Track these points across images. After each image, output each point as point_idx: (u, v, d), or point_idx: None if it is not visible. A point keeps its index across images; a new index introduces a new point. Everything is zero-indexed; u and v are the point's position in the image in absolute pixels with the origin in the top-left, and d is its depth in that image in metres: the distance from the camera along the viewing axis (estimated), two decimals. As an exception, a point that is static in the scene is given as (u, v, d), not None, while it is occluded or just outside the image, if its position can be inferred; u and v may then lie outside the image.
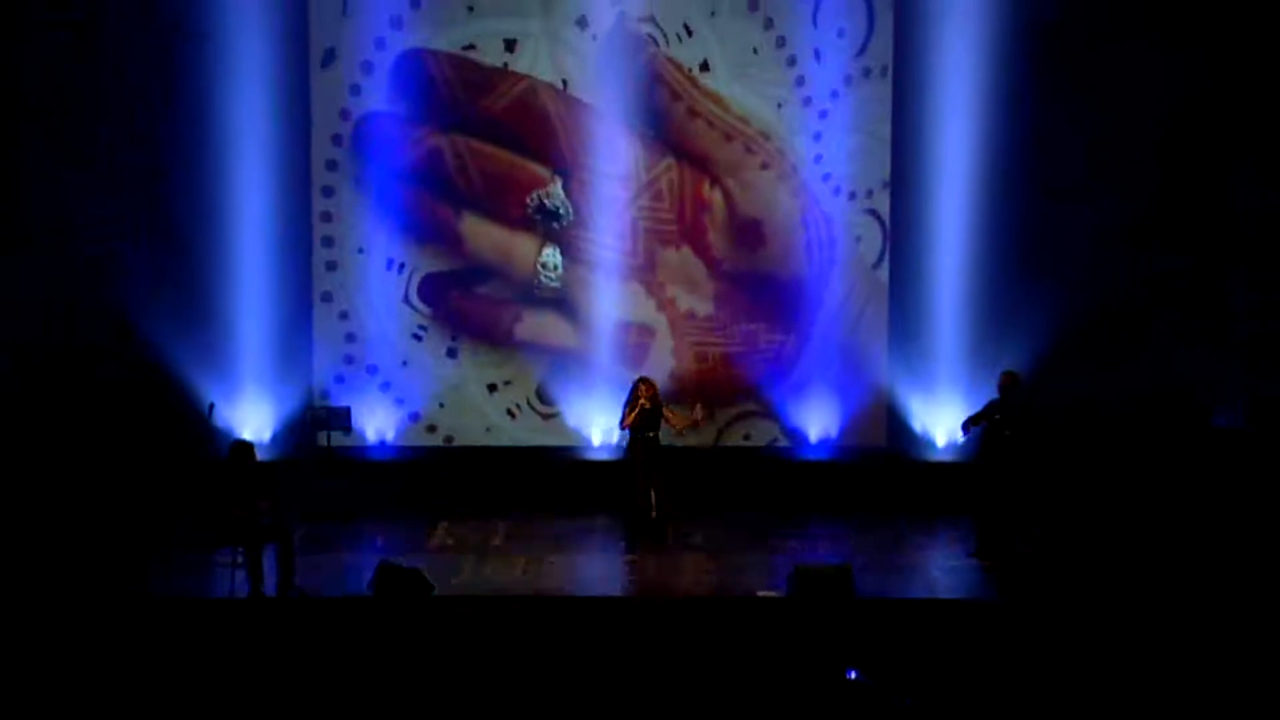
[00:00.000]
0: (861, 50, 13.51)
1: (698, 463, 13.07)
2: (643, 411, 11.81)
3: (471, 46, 13.41)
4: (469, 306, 13.70)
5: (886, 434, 13.79)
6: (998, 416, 11.69)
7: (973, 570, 11.54)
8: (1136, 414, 13.22)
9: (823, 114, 13.53)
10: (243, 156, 13.25)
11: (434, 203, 13.56)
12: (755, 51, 13.46)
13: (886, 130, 13.58)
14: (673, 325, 13.77)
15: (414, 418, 13.73)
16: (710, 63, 13.45)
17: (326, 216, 13.54)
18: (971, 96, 13.32)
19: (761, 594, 10.77)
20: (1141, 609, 10.23)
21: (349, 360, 13.64)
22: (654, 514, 11.85)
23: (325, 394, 13.60)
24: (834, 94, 13.51)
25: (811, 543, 12.27)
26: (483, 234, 13.58)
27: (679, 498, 12.11)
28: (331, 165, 13.49)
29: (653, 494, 11.84)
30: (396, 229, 13.54)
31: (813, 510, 12.95)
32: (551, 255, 13.62)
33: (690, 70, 13.47)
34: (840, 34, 13.45)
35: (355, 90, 13.39)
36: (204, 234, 13.34)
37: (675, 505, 12.05)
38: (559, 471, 13.40)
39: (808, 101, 13.51)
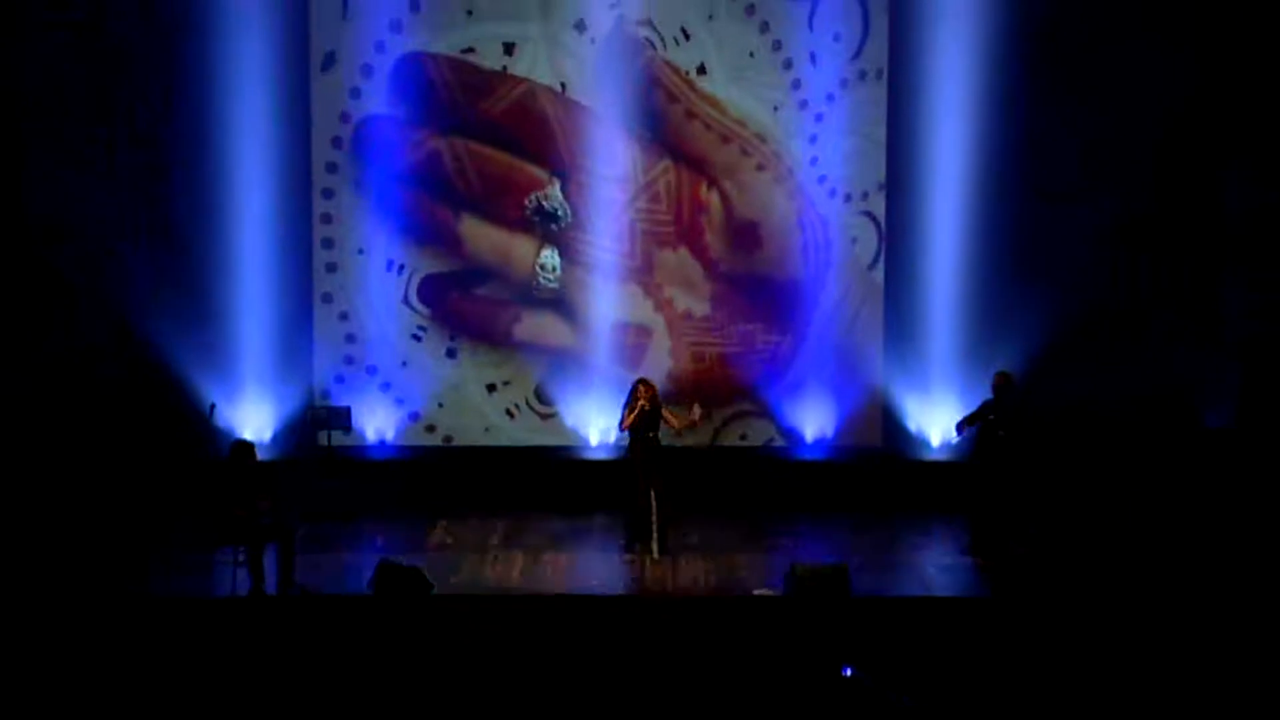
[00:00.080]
0: (857, 54, 13.57)
1: (694, 462, 13.12)
2: (642, 412, 11.85)
3: (470, 50, 13.45)
4: (468, 307, 13.76)
5: (882, 434, 13.84)
6: (992, 417, 11.77)
7: (967, 569, 11.61)
8: (1130, 414, 13.24)
9: (819, 117, 13.58)
10: (243, 157, 13.26)
11: (433, 205, 13.62)
12: (752, 55, 13.51)
13: (882, 133, 13.64)
14: (670, 326, 13.84)
15: (414, 418, 13.79)
16: (707, 66, 13.51)
17: (327, 218, 13.59)
18: (966, 99, 13.36)
19: (758, 593, 10.83)
20: (1135, 607, 10.28)
21: (349, 361, 13.69)
22: (654, 518, 11.83)
23: (325, 394, 13.64)
24: (830, 97, 13.58)
25: (807, 542, 12.33)
26: (482, 236, 13.64)
27: (677, 497, 12.14)
28: (331, 168, 13.54)
29: (653, 495, 11.83)
30: (396, 231, 13.58)
31: (809, 509, 12.99)
32: (550, 256, 13.68)
33: (687, 73, 13.53)
34: (836, 38, 13.50)
35: (355, 93, 13.43)
36: (204, 235, 13.35)
37: (674, 507, 12.05)
38: (557, 471, 13.44)
39: (804, 104, 13.57)
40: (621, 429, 12.10)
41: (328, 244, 13.62)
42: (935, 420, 13.60)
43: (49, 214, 13.36)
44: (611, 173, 13.57)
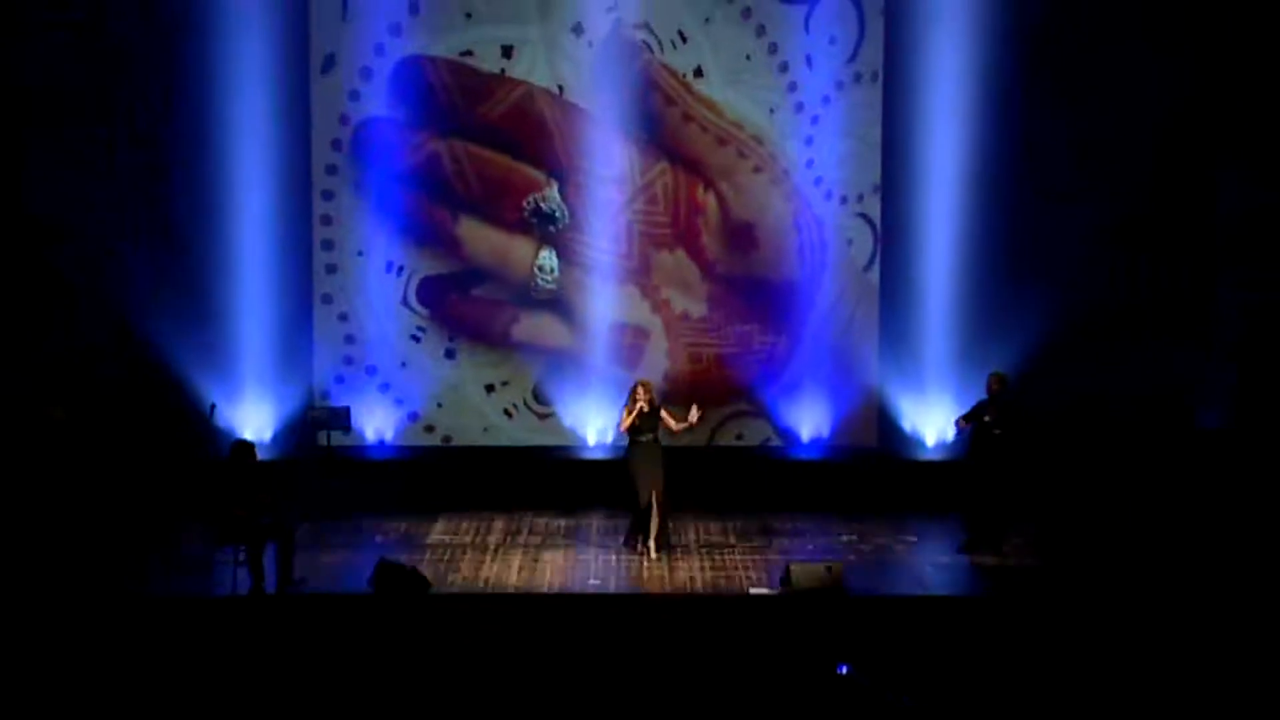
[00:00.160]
0: (852, 56, 13.63)
1: (691, 462, 13.15)
2: (641, 414, 11.88)
3: (469, 53, 13.51)
4: (467, 308, 13.82)
5: (877, 434, 13.90)
6: (987, 418, 11.83)
7: (962, 567, 11.64)
8: (1125, 415, 13.27)
9: (814, 119, 13.65)
10: (243, 158, 13.30)
11: (432, 207, 13.67)
12: (748, 58, 13.58)
13: (877, 135, 13.70)
14: (667, 327, 13.90)
15: (413, 418, 13.84)
16: (704, 69, 13.57)
17: (326, 220, 13.64)
18: (961, 101, 13.41)
19: (754, 592, 10.86)
20: (1130, 607, 10.32)
21: (348, 361, 13.74)
22: (653, 518, 11.83)
23: (325, 394, 13.69)
24: (825, 99, 13.64)
25: (803, 540, 12.39)
26: (480, 237, 13.70)
27: (674, 497, 12.17)
28: (331, 169, 13.59)
29: (653, 497, 11.80)
30: (395, 232, 13.62)
31: (804, 508, 13.03)
32: (548, 258, 13.74)
33: (684, 76, 13.59)
34: (831, 41, 13.57)
35: (355, 96, 13.48)
36: (204, 235, 13.39)
37: (671, 507, 12.04)
38: (555, 470, 13.49)
39: (800, 107, 13.64)
40: (620, 430, 12.13)
41: (327, 245, 13.66)
42: (930, 420, 13.67)
43: (49, 214, 13.37)
44: (609, 174, 13.63)
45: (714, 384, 13.81)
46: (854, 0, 13.56)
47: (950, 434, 12.95)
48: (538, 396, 13.88)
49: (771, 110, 13.63)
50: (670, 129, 13.63)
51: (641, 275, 13.83)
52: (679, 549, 11.96)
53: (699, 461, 13.32)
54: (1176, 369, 13.56)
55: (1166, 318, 13.72)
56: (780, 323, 13.86)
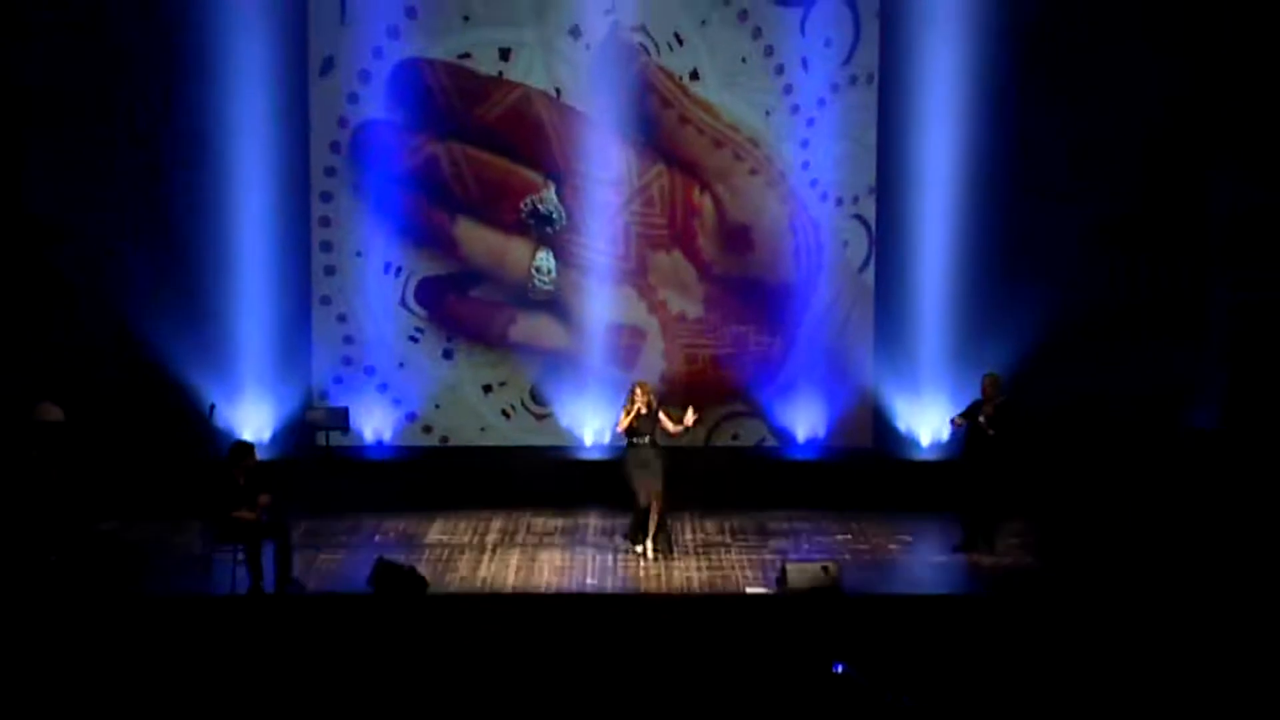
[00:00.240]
0: (848, 59, 13.69)
1: (688, 462, 13.17)
2: (639, 415, 11.89)
3: (467, 55, 13.55)
4: (464, 309, 13.87)
5: (872, 434, 13.95)
6: (982, 419, 11.88)
7: (957, 566, 11.67)
8: (1118, 415, 13.32)
9: (810, 121, 13.70)
10: (242, 160, 13.33)
11: (430, 208, 13.71)
12: (744, 60, 13.63)
13: (872, 137, 13.75)
14: (664, 328, 13.95)
15: (411, 418, 13.88)
16: (700, 71, 13.63)
17: (325, 221, 13.68)
18: (956, 102, 13.45)
19: (751, 591, 10.90)
20: (1124, 606, 10.34)
21: (347, 362, 13.78)
22: (652, 519, 11.85)
23: (324, 395, 13.74)
24: (821, 101, 13.69)
25: (799, 540, 12.44)
26: (478, 239, 13.75)
27: (671, 497, 12.20)
28: (330, 171, 13.64)
29: (651, 497, 11.79)
30: (394, 234, 13.66)
31: (800, 508, 13.07)
32: (545, 259, 13.79)
33: (681, 78, 13.64)
34: (827, 43, 13.62)
35: (353, 98, 13.52)
36: (204, 236, 13.41)
37: (669, 508, 12.05)
38: (552, 470, 13.53)
39: (795, 109, 13.69)
40: (618, 431, 12.16)
41: (326, 247, 13.71)
42: (925, 421, 13.71)
43: (49, 214, 13.40)
44: (606, 176, 13.67)
45: (710, 384, 13.86)
46: (849, 3, 13.63)
47: (945, 434, 13.00)
48: (535, 397, 13.93)
49: (768, 112, 13.69)
50: (667, 131, 13.68)
51: (638, 276, 13.88)
52: (676, 549, 11.94)
53: (695, 461, 13.30)
54: (1170, 369, 13.59)
55: (1160, 318, 13.76)
56: (776, 324, 13.91)
